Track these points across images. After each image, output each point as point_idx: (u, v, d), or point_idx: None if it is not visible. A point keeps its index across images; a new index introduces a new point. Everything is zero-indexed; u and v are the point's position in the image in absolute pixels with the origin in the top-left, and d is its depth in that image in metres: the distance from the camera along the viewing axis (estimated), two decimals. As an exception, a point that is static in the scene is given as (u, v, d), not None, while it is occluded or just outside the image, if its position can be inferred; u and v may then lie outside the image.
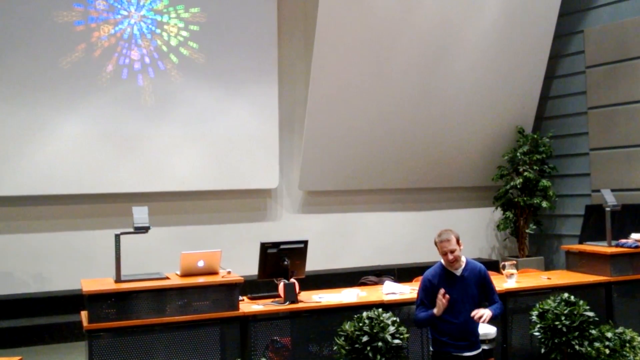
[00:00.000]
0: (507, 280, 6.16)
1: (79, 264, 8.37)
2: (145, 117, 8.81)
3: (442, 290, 4.51)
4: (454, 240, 4.57)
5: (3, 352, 7.12)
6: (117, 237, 5.17)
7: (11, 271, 8.30)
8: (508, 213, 10.44)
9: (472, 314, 4.53)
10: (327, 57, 9.06)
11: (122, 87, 8.69)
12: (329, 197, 10.07)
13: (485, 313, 4.52)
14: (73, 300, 7.63)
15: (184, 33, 9.03)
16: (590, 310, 5.45)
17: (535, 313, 5.55)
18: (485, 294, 4.57)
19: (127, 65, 8.74)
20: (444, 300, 4.47)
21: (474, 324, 4.56)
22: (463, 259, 4.61)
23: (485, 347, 5.04)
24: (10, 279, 8.28)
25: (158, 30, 8.94)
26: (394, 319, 4.97)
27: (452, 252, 4.57)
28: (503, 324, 5.91)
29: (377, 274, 7.42)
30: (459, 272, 4.55)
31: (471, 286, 4.51)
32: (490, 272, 6.87)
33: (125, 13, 8.76)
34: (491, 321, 4.65)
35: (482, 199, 11.01)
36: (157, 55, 8.91)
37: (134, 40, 8.81)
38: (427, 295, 4.71)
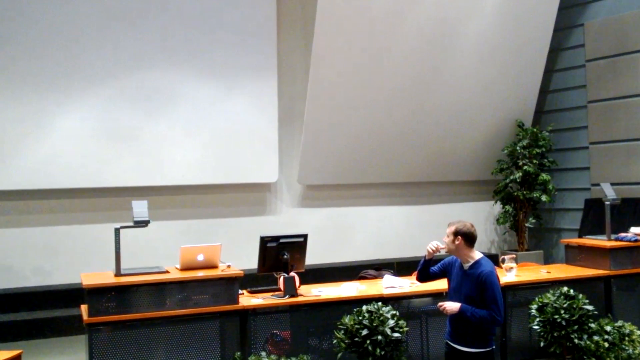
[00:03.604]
0: (506, 274, 6.16)
1: (78, 257, 8.36)
2: (145, 112, 8.78)
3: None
4: (448, 230, 4.59)
5: (3, 346, 7.11)
6: (117, 231, 5.18)
7: (11, 265, 8.31)
8: (507, 207, 10.44)
9: (439, 303, 4.61)
10: (326, 51, 9.04)
11: (121, 81, 8.67)
12: (328, 191, 10.07)
13: (447, 304, 4.53)
14: (73, 294, 7.65)
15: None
16: (590, 303, 5.48)
17: (534, 307, 5.57)
18: (481, 299, 4.45)
19: (126, 59, 8.70)
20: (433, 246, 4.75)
21: (462, 319, 4.51)
22: (475, 257, 4.58)
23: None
24: (10, 272, 8.28)
25: (157, 24, 8.91)
26: (394, 312, 4.99)
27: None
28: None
29: (377, 268, 7.42)
30: (466, 267, 4.56)
31: (468, 284, 4.50)
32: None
33: (125, 6, 8.73)
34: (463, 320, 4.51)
35: (482, 193, 11.01)
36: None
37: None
38: (442, 265, 4.81)
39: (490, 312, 4.40)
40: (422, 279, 4.94)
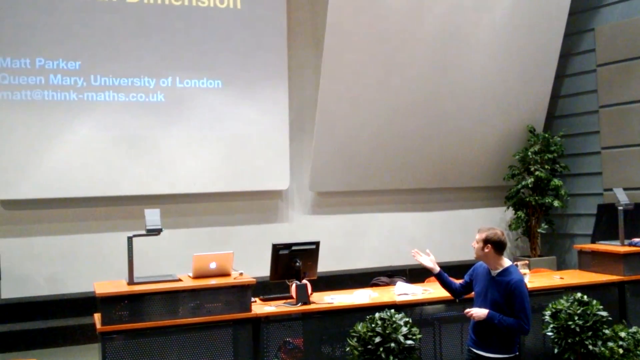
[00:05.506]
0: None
1: (91, 266, 8.41)
2: (157, 120, 8.84)
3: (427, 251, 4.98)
4: (478, 237, 4.60)
5: (17, 355, 7.18)
6: (130, 239, 5.20)
7: (25, 274, 8.35)
8: (520, 213, 10.40)
9: (467, 309, 4.59)
10: (336, 59, 9.06)
11: (133, 90, 8.72)
12: (340, 198, 10.07)
13: (474, 311, 4.52)
14: (86, 303, 7.69)
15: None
16: (604, 309, 5.44)
17: (548, 313, 5.54)
18: (508, 306, 4.45)
19: (139, 68, 8.75)
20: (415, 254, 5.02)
21: (487, 325, 4.50)
22: (504, 264, 4.58)
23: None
24: (23, 281, 8.33)
25: (168, 33, 8.96)
26: (407, 319, 4.98)
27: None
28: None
29: (389, 275, 7.41)
30: (494, 273, 4.56)
31: (495, 291, 4.49)
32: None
33: (136, 16, 8.79)
34: (491, 329, 4.49)
35: (494, 199, 10.97)
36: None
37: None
38: (469, 275, 4.83)
39: (519, 321, 4.40)
40: (454, 295, 4.95)
